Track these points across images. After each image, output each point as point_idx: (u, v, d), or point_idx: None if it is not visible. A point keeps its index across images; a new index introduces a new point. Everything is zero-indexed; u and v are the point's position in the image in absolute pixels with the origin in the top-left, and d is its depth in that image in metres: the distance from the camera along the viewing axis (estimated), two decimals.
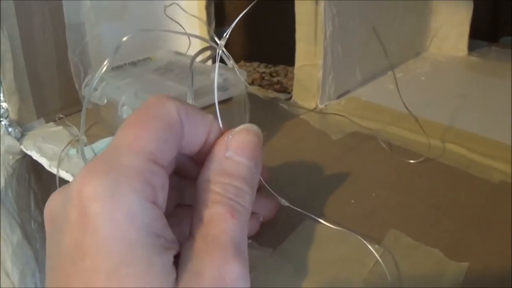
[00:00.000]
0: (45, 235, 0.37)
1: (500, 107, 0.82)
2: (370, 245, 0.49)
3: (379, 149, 0.68)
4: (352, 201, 0.57)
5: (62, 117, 0.78)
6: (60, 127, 0.76)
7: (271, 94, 0.88)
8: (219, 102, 0.61)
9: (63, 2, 0.75)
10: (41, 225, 0.83)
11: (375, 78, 0.91)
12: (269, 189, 0.48)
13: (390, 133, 0.73)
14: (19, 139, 0.74)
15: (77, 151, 0.68)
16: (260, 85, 0.94)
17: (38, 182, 0.82)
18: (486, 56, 1.09)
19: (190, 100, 0.50)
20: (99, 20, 0.80)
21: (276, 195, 0.50)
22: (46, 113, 0.78)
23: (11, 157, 0.75)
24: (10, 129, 0.74)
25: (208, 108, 0.61)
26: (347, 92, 0.87)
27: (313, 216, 0.51)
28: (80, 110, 0.56)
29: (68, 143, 0.70)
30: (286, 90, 0.90)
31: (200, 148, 0.42)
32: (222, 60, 0.53)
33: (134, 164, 0.35)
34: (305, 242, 0.50)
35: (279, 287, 0.45)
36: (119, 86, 0.63)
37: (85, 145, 0.65)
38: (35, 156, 0.71)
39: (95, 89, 0.64)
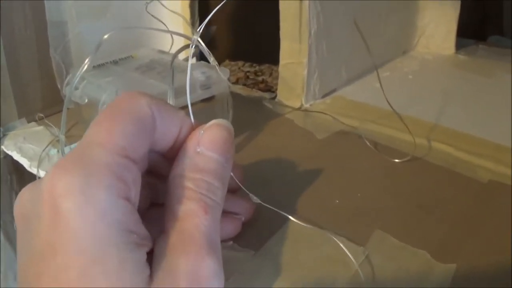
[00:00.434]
0: None
1: (487, 105, 0.82)
2: (355, 247, 0.48)
3: (365, 148, 0.67)
4: (337, 201, 0.56)
5: (42, 117, 0.77)
6: (42, 127, 0.75)
7: (256, 93, 0.87)
8: (202, 100, 0.61)
9: (45, 0, 0.74)
10: None
11: (362, 77, 0.90)
12: (241, 186, 0.48)
13: (376, 132, 0.72)
14: (0, 139, 0.73)
15: (58, 151, 0.68)
16: (244, 84, 0.93)
17: (20, 183, 0.81)
18: (473, 54, 1.09)
19: (170, 98, 0.49)
20: (81, 18, 0.79)
21: (248, 192, 0.49)
22: (28, 113, 0.77)
23: None
24: None
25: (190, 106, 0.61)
26: (333, 91, 0.87)
27: (288, 215, 0.51)
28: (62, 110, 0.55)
29: (49, 144, 0.69)
30: (271, 89, 0.90)
31: (172, 144, 0.42)
32: (205, 59, 0.53)
33: (105, 159, 0.34)
34: (288, 244, 0.49)
35: None
36: (100, 84, 0.62)
37: (65, 145, 0.64)
38: (16, 156, 0.70)
39: (76, 88, 0.63)
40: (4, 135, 0.74)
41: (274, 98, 0.84)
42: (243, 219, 0.49)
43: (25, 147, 0.71)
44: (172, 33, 0.58)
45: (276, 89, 0.84)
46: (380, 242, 0.50)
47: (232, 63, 1.04)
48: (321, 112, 0.78)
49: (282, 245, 0.49)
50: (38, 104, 0.78)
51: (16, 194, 0.80)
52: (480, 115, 0.79)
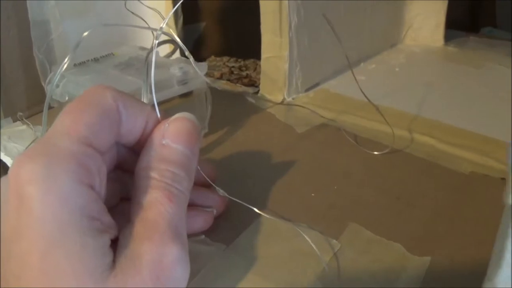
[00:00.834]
0: None
1: (473, 96, 0.82)
2: (327, 240, 0.48)
3: (345, 141, 0.67)
4: (313, 194, 0.56)
5: (22, 116, 0.77)
6: (26, 126, 0.76)
7: (239, 88, 0.87)
8: (180, 96, 0.61)
9: (27, 0, 0.74)
10: None
11: (347, 69, 0.90)
12: (209, 180, 0.48)
13: (357, 125, 0.72)
14: None
15: None
16: (228, 80, 0.93)
17: None
18: (463, 46, 1.08)
19: (144, 94, 0.49)
20: (64, 17, 0.79)
21: (216, 186, 0.49)
22: (13, 112, 0.77)
23: None
24: None
25: (168, 101, 0.61)
26: (317, 84, 0.87)
27: (257, 210, 0.50)
28: (48, 108, 0.55)
29: (31, 142, 0.70)
30: (254, 84, 0.90)
31: (139, 138, 0.43)
32: (184, 54, 0.53)
33: (68, 147, 0.35)
34: (259, 238, 0.49)
35: (231, 282, 0.44)
36: (79, 82, 0.63)
37: None
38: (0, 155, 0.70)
39: (57, 86, 0.63)
40: None
41: (257, 92, 0.84)
42: (214, 212, 0.50)
43: (9, 146, 0.71)
44: (147, 28, 0.58)
45: (260, 84, 0.84)
46: (354, 235, 0.50)
47: (218, 58, 1.05)
48: (300, 106, 0.78)
49: (253, 240, 0.49)
50: (23, 103, 0.78)
51: None
52: (465, 106, 0.78)
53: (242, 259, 0.47)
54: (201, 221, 0.49)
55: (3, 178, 0.37)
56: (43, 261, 0.32)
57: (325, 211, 0.54)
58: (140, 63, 0.68)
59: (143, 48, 0.75)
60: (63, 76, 0.63)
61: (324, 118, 0.74)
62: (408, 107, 0.77)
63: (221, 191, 0.50)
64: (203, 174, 0.47)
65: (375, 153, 0.64)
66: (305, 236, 0.47)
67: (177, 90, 0.62)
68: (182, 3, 0.53)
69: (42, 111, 0.73)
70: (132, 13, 0.68)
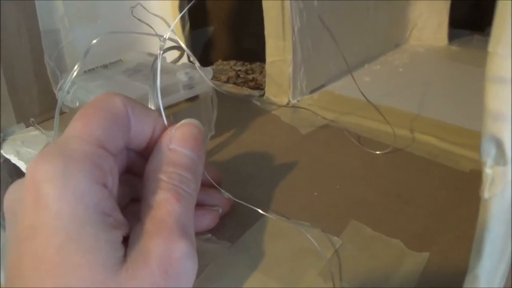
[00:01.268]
0: None
1: (474, 95, 0.82)
2: (329, 237, 0.50)
3: (348, 141, 0.68)
4: (315, 193, 0.58)
5: (34, 122, 0.79)
6: (39, 132, 0.77)
7: (245, 91, 0.88)
8: (186, 100, 0.62)
9: (37, 9, 0.75)
10: None
11: (352, 71, 0.90)
12: (213, 182, 0.50)
13: (360, 125, 0.73)
14: (0, 144, 0.75)
15: None
16: (235, 83, 0.94)
17: None
18: (467, 45, 1.09)
19: (151, 99, 0.51)
20: (73, 26, 0.81)
21: (220, 188, 0.51)
22: (26, 118, 0.79)
23: None
24: None
25: (175, 106, 0.62)
26: (322, 86, 0.88)
27: (261, 211, 0.52)
28: (59, 114, 0.57)
29: (44, 147, 0.71)
30: (260, 86, 0.91)
31: (147, 143, 0.45)
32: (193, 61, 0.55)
33: (82, 148, 0.37)
34: (263, 237, 0.50)
35: (236, 279, 0.45)
36: (88, 88, 0.64)
37: None
38: (14, 160, 0.72)
39: (68, 93, 0.65)
40: (4, 140, 0.76)
41: (263, 95, 0.85)
42: (220, 211, 0.52)
43: (23, 150, 0.73)
44: (154, 36, 0.59)
45: (265, 87, 0.85)
46: (354, 232, 0.51)
47: (225, 62, 1.06)
48: (305, 108, 0.79)
49: (258, 238, 0.50)
50: (35, 109, 0.80)
51: None
52: (466, 105, 0.79)
53: (247, 256, 0.48)
54: (208, 220, 0.50)
55: (20, 180, 0.39)
56: (59, 254, 0.34)
57: (327, 210, 0.55)
58: (147, 69, 0.69)
59: (150, 54, 0.76)
60: (73, 82, 0.65)
61: (328, 119, 0.75)
62: (411, 107, 0.78)
63: (226, 194, 0.52)
64: (209, 178, 0.49)
65: (377, 152, 0.65)
66: (307, 235, 0.49)
67: (183, 94, 0.63)
68: (189, 8, 0.54)
69: (53, 116, 0.75)
70: (139, 20, 0.69)
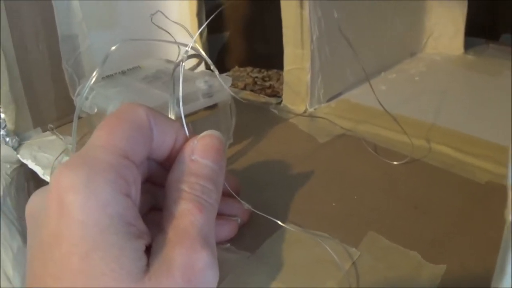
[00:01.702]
0: None
1: (490, 105, 0.82)
2: (347, 248, 0.50)
3: (365, 151, 0.68)
4: (333, 204, 0.58)
5: (52, 127, 0.79)
6: (56, 136, 0.77)
7: (262, 98, 0.89)
8: (205, 108, 0.62)
9: (55, 14, 0.76)
10: None
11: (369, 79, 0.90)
12: (234, 195, 0.50)
13: (377, 135, 0.73)
14: (16, 148, 0.76)
15: None
16: (252, 90, 0.94)
17: (37, 189, 0.83)
18: (482, 54, 1.08)
19: (171, 108, 0.51)
20: (91, 31, 0.81)
21: (240, 200, 0.52)
22: (43, 123, 0.79)
23: (9, 166, 0.77)
24: (7, 139, 0.75)
25: (194, 114, 0.63)
26: (339, 94, 0.88)
27: (279, 222, 0.52)
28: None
29: (61, 152, 0.71)
30: (277, 94, 0.91)
31: (169, 154, 0.45)
32: (209, 67, 0.55)
33: (106, 158, 0.38)
34: (282, 247, 0.51)
35: None
36: (107, 95, 0.64)
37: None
38: (31, 164, 0.72)
39: (86, 99, 0.65)
40: (20, 144, 0.76)
41: (280, 103, 0.85)
42: (239, 221, 0.52)
43: (40, 155, 0.73)
44: (173, 43, 0.60)
45: (282, 94, 0.85)
46: (372, 243, 0.51)
47: (241, 69, 1.06)
48: (322, 118, 0.79)
49: (276, 248, 0.50)
50: (52, 114, 0.80)
51: None
52: (482, 115, 0.79)
53: (266, 266, 0.48)
54: (227, 230, 0.51)
55: (43, 188, 0.40)
56: (83, 262, 0.34)
57: (345, 220, 0.55)
58: (166, 76, 0.69)
59: (169, 61, 0.76)
60: (92, 89, 0.65)
61: (344, 129, 0.75)
62: (427, 117, 0.78)
63: (247, 205, 0.52)
64: (229, 188, 0.49)
65: (395, 163, 0.65)
66: (325, 246, 0.49)
67: (203, 103, 0.63)
68: (206, 14, 0.55)
69: (70, 121, 0.76)
70: (158, 27, 0.69)
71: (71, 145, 0.60)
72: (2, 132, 0.76)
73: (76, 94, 0.70)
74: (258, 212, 0.52)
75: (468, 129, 0.73)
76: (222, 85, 0.60)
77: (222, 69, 0.74)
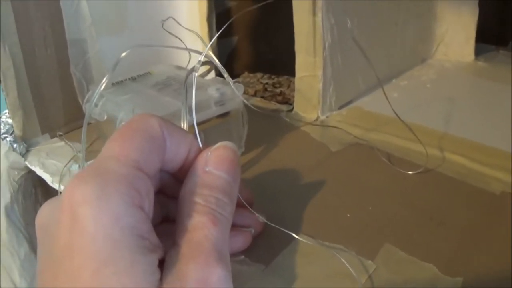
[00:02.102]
0: None
1: (503, 113, 0.81)
2: (363, 261, 0.49)
3: (379, 160, 0.68)
4: (348, 215, 0.57)
5: (61, 134, 0.78)
6: (64, 143, 0.77)
7: (273, 105, 0.88)
8: (217, 116, 0.62)
9: (64, 18, 0.75)
10: None
11: (379, 86, 0.89)
12: (248, 207, 0.49)
13: (390, 143, 0.72)
14: (24, 154, 0.75)
15: (79, 166, 0.69)
16: (262, 97, 0.94)
17: (44, 196, 0.82)
18: (493, 60, 1.08)
19: (184, 116, 0.50)
20: (100, 35, 0.81)
21: (253, 211, 0.51)
22: (51, 129, 0.79)
23: (16, 173, 0.76)
24: (15, 145, 0.75)
25: (205, 122, 0.62)
26: (350, 102, 0.87)
27: (294, 234, 0.51)
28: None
29: (70, 159, 0.71)
30: (288, 101, 0.90)
31: (182, 165, 0.44)
32: (221, 74, 0.54)
33: (119, 170, 0.37)
34: (297, 259, 0.50)
35: None
36: (117, 102, 0.63)
37: (86, 161, 0.66)
38: (39, 172, 0.71)
39: (96, 105, 0.64)
40: (28, 150, 0.76)
41: (291, 110, 0.85)
42: (253, 231, 0.51)
43: (48, 162, 0.72)
44: (184, 49, 0.59)
45: (293, 101, 0.84)
46: (388, 256, 0.50)
47: (251, 75, 1.05)
48: (334, 127, 0.78)
49: (291, 261, 0.50)
50: (60, 119, 0.79)
51: (41, 207, 0.82)
52: (494, 123, 0.78)
53: (281, 279, 0.47)
54: (241, 241, 0.50)
55: (54, 199, 0.39)
56: (95, 277, 0.33)
57: (360, 232, 0.54)
58: (177, 83, 0.68)
59: (179, 68, 0.75)
60: (101, 95, 0.64)
61: (358, 138, 0.74)
62: (439, 125, 0.77)
63: (260, 217, 0.51)
64: (242, 201, 0.48)
65: (409, 172, 0.64)
66: (341, 259, 0.48)
67: (215, 111, 0.62)
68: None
69: (78, 127, 0.75)
70: (170, 33, 0.69)
71: (81, 153, 0.59)
72: (10, 138, 0.75)
73: (85, 100, 0.70)
74: (271, 224, 0.51)
75: (480, 138, 0.72)
76: (235, 93, 0.59)
77: (231, 74, 0.74)
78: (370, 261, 0.49)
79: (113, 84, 0.69)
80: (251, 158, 0.69)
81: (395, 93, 0.87)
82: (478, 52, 1.09)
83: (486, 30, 1.09)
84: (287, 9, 0.77)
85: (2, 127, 0.77)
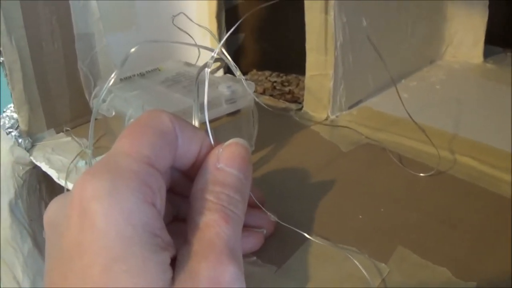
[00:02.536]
0: None
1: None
2: (376, 264, 0.48)
3: (390, 162, 0.67)
4: (360, 216, 0.56)
5: (68, 130, 0.78)
6: (70, 138, 0.76)
7: (282, 104, 0.88)
8: (228, 114, 0.61)
9: (72, 12, 0.74)
10: None
11: (389, 86, 0.90)
12: (261, 206, 0.49)
13: (401, 145, 0.72)
14: (29, 149, 0.74)
15: (86, 163, 0.68)
16: (271, 95, 0.93)
17: (49, 192, 0.82)
18: (501, 62, 1.07)
19: (195, 114, 0.50)
20: (108, 30, 0.80)
21: (266, 211, 0.50)
22: (56, 124, 0.78)
23: (21, 168, 0.76)
24: (20, 140, 0.74)
25: (214, 121, 0.61)
26: (360, 101, 0.87)
27: (307, 235, 0.51)
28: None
29: (77, 155, 0.70)
30: (297, 100, 0.90)
31: (193, 163, 0.44)
32: (231, 71, 0.53)
33: (131, 166, 0.36)
34: (310, 261, 0.49)
35: None
36: (126, 98, 0.63)
37: (93, 157, 0.65)
38: (44, 167, 0.71)
39: (103, 101, 0.63)
40: (33, 145, 0.75)
41: (301, 109, 0.84)
42: (265, 232, 0.50)
43: (54, 158, 0.72)
44: (195, 46, 0.58)
45: (303, 100, 0.84)
46: (401, 259, 0.49)
47: (259, 73, 1.05)
48: (345, 127, 0.78)
49: (303, 262, 0.49)
50: (66, 115, 0.79)
51: (46, 203, 0.81)
52: (503, 126, 0.77)
53: (293, 281, 0.47)
54: (252, 242, 0.49)
55: (62, 195, 0.38)
56: (105, 274, 0.33)
57: (372, 234, 0.53)
58: (187, 80, 0.68)
59: (188, 64, 0.75)
60: (109, 91, 0.64)
61: (369, 138, 0.74)
62: (449, 126, 0.76)
63: (273, 216, 0.51)
64: (254, 199, 0.48)
65: (421, 174, 0.63)
66: (355, 261, 0.48)
67: (226, 109, 0.62)
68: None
69: (85, 123, 0.74)
70: (180, 29, 0.68)
71: (89, 149, 0.58)
72: (15, 133, 0.75)
73: (93, 96, 0.69)
74: (284, 224, 0.50)
75: (489, 140, 0.72)
76: (247, 91, 0.58)
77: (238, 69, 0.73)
78: (383, 264, 0.49)
79: (121, 79, 0.69)
80: (261, 157, 0.69)
81: (405, 94, 0.87)
82: (486, 54, 1.09)
83: (495, 32, 1.08)
84: (295, 6, 0.77)
85: (7, 122, 0.76)
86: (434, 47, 1.08)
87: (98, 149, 0.69)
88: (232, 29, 0.51)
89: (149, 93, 0.65)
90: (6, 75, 0.71)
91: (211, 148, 0.44)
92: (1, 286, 0.81)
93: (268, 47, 1.15)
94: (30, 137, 0.75)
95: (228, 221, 0.39)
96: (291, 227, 0.50)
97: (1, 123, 0.76)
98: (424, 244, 0.52)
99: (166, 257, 0.36)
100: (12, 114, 0.76)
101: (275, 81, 0.99)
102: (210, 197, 0.40)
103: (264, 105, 0.61)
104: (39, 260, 0.82)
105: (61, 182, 0.67)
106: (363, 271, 0.47)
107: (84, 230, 0.34)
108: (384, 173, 0.65)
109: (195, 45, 0.63)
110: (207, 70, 0.48)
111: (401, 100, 0.69)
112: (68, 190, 0.66)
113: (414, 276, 0.47)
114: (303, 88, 0.83)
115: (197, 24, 0.64)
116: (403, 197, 0.60)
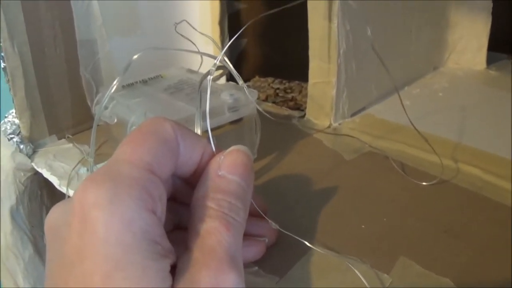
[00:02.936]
0: None
1: None
2: (378, 274, 0.48)
3: (392, 170, 0.67)
4: (363, 226, 0.56)
5: (70, 136, 0.78)
6: (72, 145, 0.76)
7: (285, 111, 0.87)
8: (230, 123, 0.61)
9: (75, 18, 0.74)
10: None
11: (392, 94, 0.89)
12: (261, 212, 0.49)
13: (404, 153, 0.71)
14: (31, 156, 0.74)
15: (87, 170, 0.68)
16: (274, 102, 0.93)
17: (50, 198, 0.82)
18: (504, 69, 1.07)
19: (198, 122, 0.50)
20: (111, 37, 0.80)
21: (268, 219, 0.50)
22: (58, 130, 0.78)
23: (23, 174, 0.76)
24: (21, 146, 0.74)
25: (218, 128, 0.61)
26: (363, 109, 0.86)
27: (310, 245, 0.50)
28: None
29: (78, 162, 0.70)
30: (300, 107, 0.90)
31: (194, 170, 0.44)
32: (233, 78, 0.53)
33: (132, 173, 0.36)
34: (312, 271, 0.49)
35: None
36: (129, 105, 0.63)
37: (95, 164, 0.65)
38: (46, 174, 0.71)
39: (106, 108, 0.63)
40: (35, 152, 0.75)
41: (303, 116, 0.84)
42: (266, 241, 0.50)
43: (55, 165, 0.72)
44: (197, 53, 0.58)
45: (305, 108, 0.84)
46: (404, 269, 0.49)
47: (262, 79, 1.05)
48: (347, 135, 0.77)
49: (306, 273, 0.49)
50: (68, 121, 0.79)
51: (47, 209, 0.81)
52: (507, 134, 0.77)
53: None
54: (254, 251, 0.49)
55: (64, 202, 0.38)
56: (105, 282, 0.33)
57: (375, 244, 0.53)
58: (190, 87, 0.68)
59: (191, 71, 0.75)
60: (112, 98, 0.63)
61: (372, 147, 0.73)
62: (452, 134, 0.76)
63: (274, 225, 0.50)
64: (256, 207, 0.48)
65: (424, 183, 0.63)
66: (357, 272, 0.47)
67: (228, 117, 0.62)
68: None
69: (86, 129, 0.74)
70: (183, 36, 0.68)
71: (91, 156, 0.58)
72: (16, 139, 0.74)
73: (95, 102, 0.69)
74: (286, 232, 0.50)
75: (492, 148, 0.71)
76: (250, 99, 0.58)
77: (241, 78, 0.73)
78: (386, 275, 0.48)
79: (123, 86, 0.69)
80: (263, 165, 0.69)
81: (408, 101, 0.87)
82: (490, 61, 1.09)
83: (498, 39, 1.08)
84: (298, 13, 0.77)
85: (8, 127, 0.76)
86: (437, 53, 1.08)
87: (99, 156, 0.69)
88: (234, 37, 0.51)
89: (152, 100, 0.65)
90: (8, 80, 0.71)
91: (213, 155, 0.44)
92: None
93: (270, 53, 1.15)
94: (32, 143, 0.75)
95: (229, 228, 0.39)
96: (294, 236, 0.50)
97: (3, 129, 0.76)
98: (426, 254, 0.51)
99: (166, 265, 0.36)
100: (14, 120, 0.76)
101: (278, 88, 0.99)
102: (211, 204, 0.40)
103: (267, 114, 0.61)
104: (40, 266, 0.82)
105: (63, 189, 0.67)
106: (365, 282, 0.46)
107: (84, 237, 0.34)
108: (386, 182, 0.65)
109: (198, 52, 0.63)
110: (210, 77, 0.48)
111: (404, 108, 0.69)
112: (69, 197, 0.65)
113: (416, 286, 0.47)
114: (305, 95, 0.83)
115: (200, 32, 0.64)
116: (406, 206, 0.60)
